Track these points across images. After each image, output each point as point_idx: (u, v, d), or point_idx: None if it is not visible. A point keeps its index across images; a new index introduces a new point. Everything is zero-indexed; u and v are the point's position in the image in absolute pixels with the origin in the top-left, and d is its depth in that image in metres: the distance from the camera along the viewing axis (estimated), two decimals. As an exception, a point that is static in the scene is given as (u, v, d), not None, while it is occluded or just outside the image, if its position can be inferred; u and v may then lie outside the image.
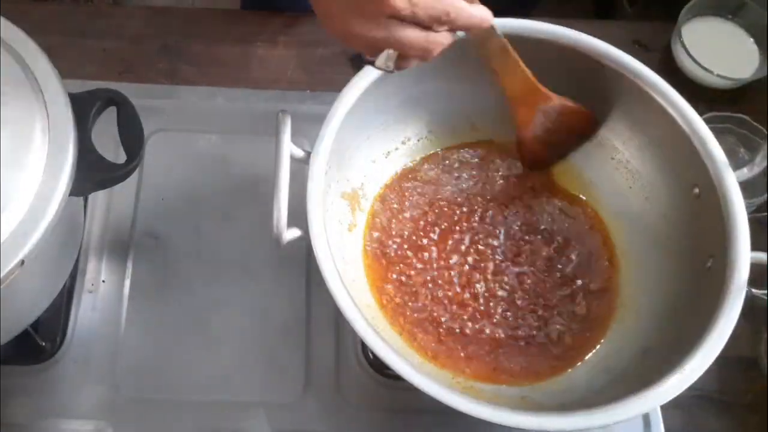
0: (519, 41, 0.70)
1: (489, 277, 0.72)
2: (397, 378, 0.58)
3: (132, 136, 0.64)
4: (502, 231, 0.74)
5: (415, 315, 0.69)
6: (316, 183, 0.63)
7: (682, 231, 0.69)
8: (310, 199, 0.62)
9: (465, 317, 0.70)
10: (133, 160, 0.63)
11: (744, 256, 0.62)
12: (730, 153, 0.69)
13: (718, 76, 0.86)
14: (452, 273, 0.71)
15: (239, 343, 0.74)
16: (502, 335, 0.69)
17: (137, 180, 0.80)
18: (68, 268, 0.69)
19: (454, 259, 0.72)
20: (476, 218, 0.74)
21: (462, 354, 0.68)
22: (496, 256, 0.73)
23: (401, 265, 0.71)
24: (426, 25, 0.54)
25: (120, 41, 0.87)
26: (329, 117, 0.65)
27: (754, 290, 0.74)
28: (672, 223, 0.70)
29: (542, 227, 0.74)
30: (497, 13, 0.61)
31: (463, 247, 0.73)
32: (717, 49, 0.88)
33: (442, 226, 0.73)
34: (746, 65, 0.88)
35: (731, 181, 0.65)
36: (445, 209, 0.74)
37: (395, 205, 0.74)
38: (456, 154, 0.78)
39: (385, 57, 0.56)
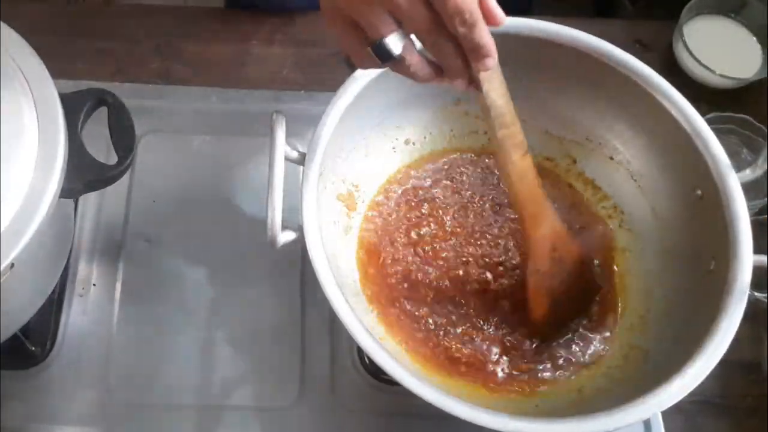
0: (518, 41, 0.69)
1: (486, 280, 0.71)
2: (393, 383, 0.57)
3: (123, 137, 0.64)
4: (501, 235, 0.73)
5: (411, 319, 0.69)
6: (311, 185, 0.62)
7: (683, 233, 0.69)
8: (304, 201, 0.61)
9: (461, 321, 0.69)
10: (124, 161, 0.63)
11: (746, 258, 0.61)
12: (732, 154, 0.68)
13: (720, 75, 0.85)
14: (449, 276, 0.70)
15: (233, 346, 0.73)
16: (500, 339, 0.69)
17: (129, 182, 0.79)
18: (58, 272, 0.69)
19: (452, 262, 0.71)
20: (475, 222, 0.73)
21: (459, 358, 0.67)
22: (495, 260, 0.72)
23: (397, 268, 0.71)
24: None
25: (112, 41, 0.87)
26: (324, 118, 0.65)
27: (756, 293, 0.74)
28: (674, 225, 0.70)
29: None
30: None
31: (461, 251, 0.72)
32: (719, 48, 0.88)
33: (441, 230, 0.73)
34: (749, 65, 0.87)
35: (734, 183, 0.64)
36: (444, 213, 0.73)
37: (392, 208, 0.73)
38: (457, 156, 0.77)
39: (396, 37, 0.50)
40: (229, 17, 0.91)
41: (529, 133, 0.76)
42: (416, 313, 0.69)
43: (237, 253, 0.77)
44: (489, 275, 0.71)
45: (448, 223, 0.73)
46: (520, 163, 0.62)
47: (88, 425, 0.69)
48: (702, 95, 0.84)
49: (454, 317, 0.69)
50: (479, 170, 0.76)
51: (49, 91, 0.60)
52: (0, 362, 0.69)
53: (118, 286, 0.75)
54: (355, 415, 0.71)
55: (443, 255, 0.72)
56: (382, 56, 0.51)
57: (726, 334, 0.59)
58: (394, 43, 0.50)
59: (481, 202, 0.75)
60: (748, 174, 0.75)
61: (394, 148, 0.75)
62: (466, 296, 0.70)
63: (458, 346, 0.68)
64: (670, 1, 0.93)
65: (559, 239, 0.67)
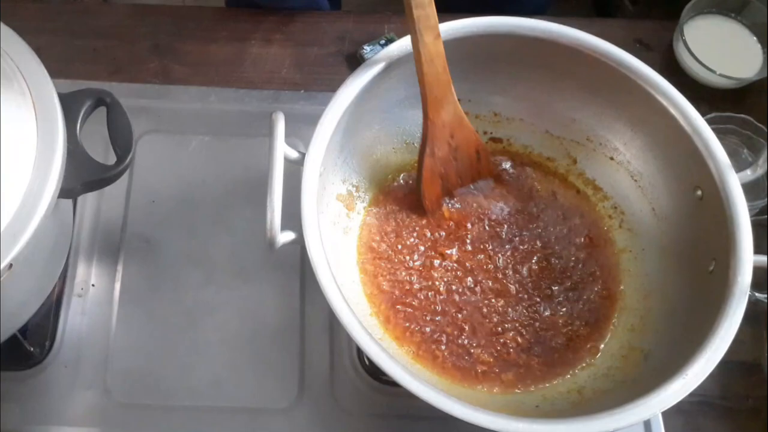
0: (518, 41, 0.69)
1: (487, 282, 0.71)
2: (393, 384, 0.57)
3: (122, 137, 0.64)
4: (502, 235, 0.73)
5: (411, 320, 0.68)
6: (310, 185, 0.62)
7: (684, 234, 0.69)
8: (304, 201, 0.61)
9: (461, 322, 0.69)
10: (122, 161, 0.63)
11: (747, 259, 0.61)
12: (732, 154, 0.68)
13: (720, 75, 0.85)
14: (449, 277, 0.70)
15: (232, 347, 0.73)
16: (500, 340, 0.68)
17: (127, 182, 0.79)
18: (57, 272, 0.69)
19: (452, 263, 0.71)
20: (475, 222, 0.73)
21: (458, 359, 0.67)
22: (495, 261, 0.72)
23: (397, 269, 0.70)
24: None
25: (111, 40, 0.87)
26: (324, 118, 0.64)
27: (756, 294, 0.74)
28: (674, 226, 0.70)
29: (543, 230, 0.73)
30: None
31: (461, 251, 0.71)
32: (720, 48, 0.88)
33: (440, 230, 0.72)
34: (749, 64, 0.87)
35: (734, 183, 0.64)
36: (443, 212, 0.73)
37: (391, 208, 0.73)
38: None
39: None
40: (228, 17, 0.91)
41: (530, 133, 0.76)
42: (415, 315, 0.69)
43: (236, 254, 0.76)
44: (492, 275, 0.71)
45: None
46: (432, 46, 0.63)
47: (87, 426, 0.69)
48: (702, 95, 0.84)
49: (453, 317, 0.69)
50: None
51: (48, 91, 0.60)
52: (-1, 363, 0.69)
53: (117, 286, 0.74)
54: (355, 416, 0.71)
55: (444, 255, 0.71)
56: None
57: (726, 334, 0.58)
58: None
59: (485, 202, 0.74)
60: (748, 174, 0.74)
61: (394, 147, 0.75)
62: (467, 296, 0.70)
63: (456, 345, 0.68)
64: (670, 1, 0.93)
65: (458, 128, 0.69)
